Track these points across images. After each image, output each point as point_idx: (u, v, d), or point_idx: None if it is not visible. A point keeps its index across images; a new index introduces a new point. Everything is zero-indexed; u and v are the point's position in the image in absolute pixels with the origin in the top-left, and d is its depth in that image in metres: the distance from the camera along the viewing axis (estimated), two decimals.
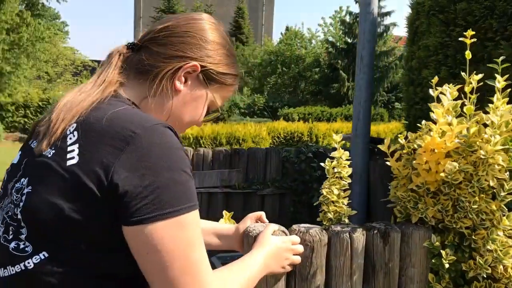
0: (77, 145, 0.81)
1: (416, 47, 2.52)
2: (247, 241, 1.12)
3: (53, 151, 0.83)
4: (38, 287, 0.80)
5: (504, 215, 1.21)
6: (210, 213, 2.63)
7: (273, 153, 2.68)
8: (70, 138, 0.83)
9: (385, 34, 20.46)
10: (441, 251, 1.21)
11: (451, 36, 2.37)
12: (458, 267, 1.24)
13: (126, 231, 0.78)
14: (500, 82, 1.28)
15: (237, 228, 1.24)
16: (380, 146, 1.34)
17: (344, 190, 1.28)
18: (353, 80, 21.04)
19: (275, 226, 1.13)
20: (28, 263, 0.80)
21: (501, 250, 1.18)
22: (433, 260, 1.23)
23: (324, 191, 1.25)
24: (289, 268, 1.12)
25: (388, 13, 20.34)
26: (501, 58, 1.33)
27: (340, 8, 23.61)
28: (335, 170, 1.26)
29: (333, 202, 1.25)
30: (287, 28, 25.61)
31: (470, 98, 1.28)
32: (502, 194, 1.18)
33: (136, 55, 0.98)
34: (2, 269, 0.82)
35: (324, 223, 1.27)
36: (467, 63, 1.28)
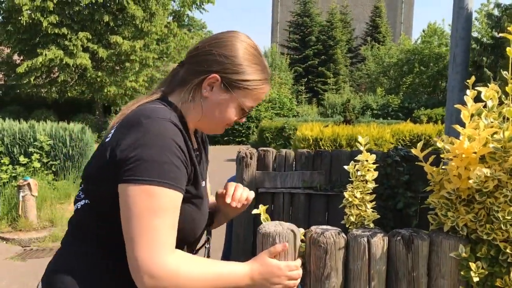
0: (114, 129, 1.16)
1: None
2: (257, 238, 1.18)
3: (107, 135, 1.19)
4: (79, 221, 1.19)
5: None
6: (292, 213, 2.69)
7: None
8: (113, 127, 1.18)
9: None
10: (470, 263, 1.13)
11: None
12: (493, 282, 1.14)
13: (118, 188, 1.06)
14: None
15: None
16: (413, 150, 1.29)
17: (371, 193, 1.26)
18: (500, 78, 19.11)
19: (286, 227, 1.17)
20: (79, 205, 1.19)
21: None
22: (462, 273, 1.15)
23: (346, 194, 1.25)
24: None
25: None
26: None
27: (488, 0, 21.66)
28: (359, 173, 1.25)
29: (356, 205, 1.25)
30: (429, 25, 24.19)
31: None
32: None
33: (180, 71, 1.26)
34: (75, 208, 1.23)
35: (347, 226, 1.27)
36: (509, 61, 1.17)
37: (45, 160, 6.71)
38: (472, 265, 1.13)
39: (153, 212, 1.02)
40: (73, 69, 17.62)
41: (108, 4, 17.72)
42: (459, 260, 1.16)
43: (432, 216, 1.26)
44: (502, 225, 1.10)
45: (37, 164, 6.50)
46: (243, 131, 18.41)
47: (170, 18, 19.88)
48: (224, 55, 1.19)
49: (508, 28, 1.20)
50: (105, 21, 17.10)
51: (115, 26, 17.74)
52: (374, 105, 20.76)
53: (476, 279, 1.12)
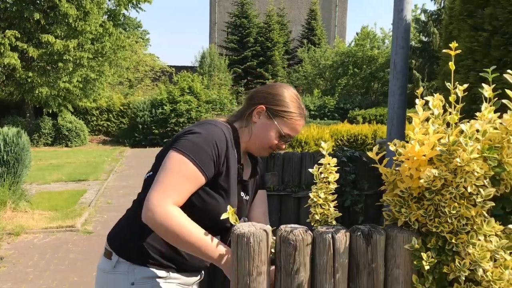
0: None
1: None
2: (232, 238, 1.26)
3: None
4: (143, 187, 1.67)
5: (486, 221, 1.25)
6: None
7: (308, 157, 2.78)
8: None
9: None
10: (422, 253, 1.27)
11: (478, 41, 2.34)
12: (441, 269, 1.29)
13: None
14: (487, 91, 1.33)
15: None
16: (369, 153, 1.42)
17: (333, 194, 1.38)
18: (427, 80, 20.34)
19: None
20: (146, 176, 1.68)
21: (479, 254, 1.22)
22: (415, 262, 1.29)
23: (311, 195, 1.36)
24: None
25: None
26: (492, 67, 1.36)
27: (416, 6, 22.90)
28: (322, 175, 1.37)
29: (320, 205, 1.36)
30: (362, 28, 25.20)
31: (455, 107, 1.32)
32: (479, 200, 1.22)
33: (243, 108, 1.76)
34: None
35: (312, 224, 1.37)
36: (451, 73, 1.33)
37: None
38: (424, 255, 1.27)
39: (177, 172, 1.45)
40: (0, 69, 16.71)
41: (38, 1, 16.96)
42: (412, 251, 1.30)
43: (387, 213, 1.40)
44: (448, 219, 1.25)
45: None
46: None
47: (105, 17, 19.32)
48: (269, 93, 1.70)
49: (450, 45, 1.36)
50: (35, 19, 16.36)
51: (47, 25, 17.01)
52: (312, 106, 21.33)
53: (427, 267, 1.26)
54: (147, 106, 19.12)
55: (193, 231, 1.42)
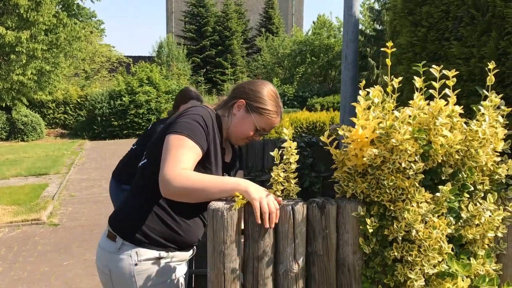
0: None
1: (394, 45, 2.78)
2: (208, 213, 1.47)
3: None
4: (139, 174, 1.89)
5: (417, 190, 1.51)
6: None
7: (270, 143, 3.01)
8: None
9: None
10: (366, 219, 1.53)
11: (417, 36, 2.63)
12: (383, 232, 1.55)
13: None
14: (418, 82, 1.59)
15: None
16: (321, 137, 1.65)
17: (294, 172, 1.61)
18: (382, 67, 21.00)
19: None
20: (140, 163, 1.90)
21: (412, 218, 1.48)
22: (360, 227, 1.54)
23: (273, 174, 1.59)
24: (264, 199, 1.48)
25: None
26: (423, 62, 1.63)
27: None
28: (284, 157, 1.59)
29: (280, 182, 1.58)
30: (318, 17, 25.59)
31: (392, 96, 1.58)
32: (411, 173, 1.48)
33: (227, 98, 1.97)
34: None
35: None
36: (388, 68, 1.58)
37: None
38: (368, 221, 1.52)
39: (178, 147, 1.66)
40: None
41: None
42: (358, 218, 1.55)
43: (337, 187, 1.64)
44: (387, 190, 1.50)
45: None
46: (143, 123, 18.19)
47: (59, 8, 18.83)
48: (250, 89, 1.89)
49: (387, 44, 1.61)
50: None
51: None
52: None
53: (371, 231, 1.52)
54: (105, 97, 18.86)
55: (209, 177, 1.63)
